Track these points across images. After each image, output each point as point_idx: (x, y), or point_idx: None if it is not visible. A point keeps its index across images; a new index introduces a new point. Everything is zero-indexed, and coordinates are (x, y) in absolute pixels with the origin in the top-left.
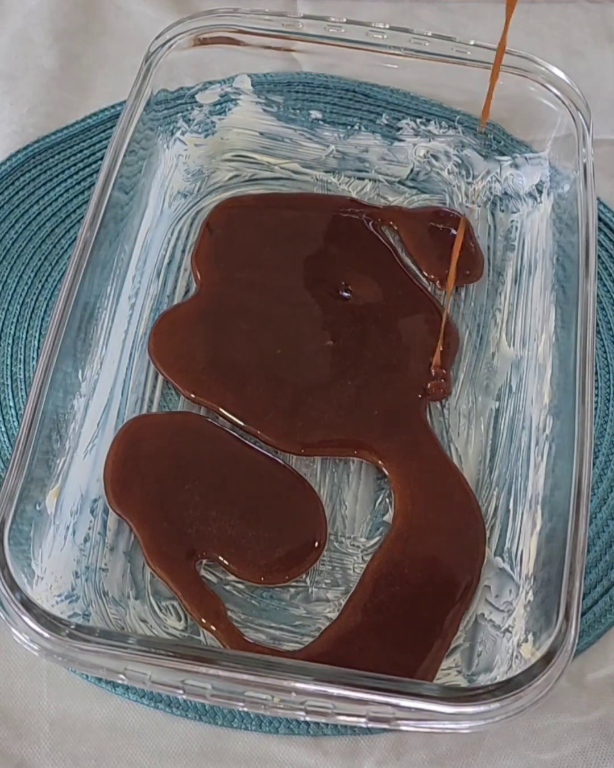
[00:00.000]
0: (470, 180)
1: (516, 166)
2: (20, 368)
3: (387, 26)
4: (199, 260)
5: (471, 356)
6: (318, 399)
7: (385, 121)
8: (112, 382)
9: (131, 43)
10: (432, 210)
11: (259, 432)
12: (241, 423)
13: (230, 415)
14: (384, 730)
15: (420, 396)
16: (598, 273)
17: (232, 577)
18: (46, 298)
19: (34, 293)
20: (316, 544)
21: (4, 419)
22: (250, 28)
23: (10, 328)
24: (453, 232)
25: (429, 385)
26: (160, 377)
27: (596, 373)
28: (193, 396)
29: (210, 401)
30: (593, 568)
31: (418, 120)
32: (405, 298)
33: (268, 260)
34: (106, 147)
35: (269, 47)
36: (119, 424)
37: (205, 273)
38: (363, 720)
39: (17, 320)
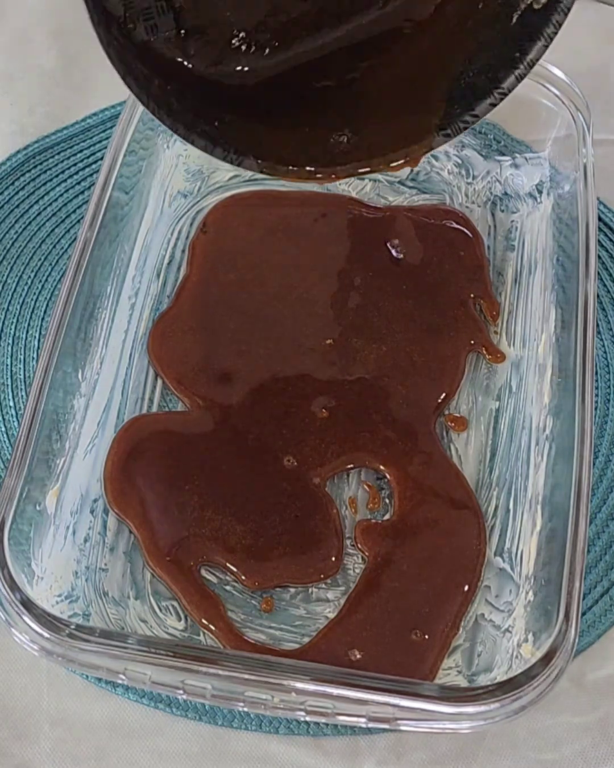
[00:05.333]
0: (470, 180)
1: (516, 166)
2: (20, 368)
3: None
4: (193, 259)
5: (471, 356)
6: (317, 407)
7: None
8: (112, 382)
9: None
10: (432, 208)
11: (249, 443)
12: (237, 434)
13: (227, 424)
14: (384, 730)
15: (434, 406)
16: (598, 273)
17: (231, 577)
18: (46, 298)
19: (34, 293)
20: (333, 558)
21: (4, 419)
22: None
23: (10, 328)
24: (454, 225)
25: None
26: (160, 377)
27: (596, 373)
28: (200, 403)
29: (209, 411)
30: (593, 568)
31: None
32: (406, 299)
33: (265, 259)
34: (106, 147)
35: None
36: (119, 424)
37: (200, 272)
38: (363, 720)
39: (17, 320)
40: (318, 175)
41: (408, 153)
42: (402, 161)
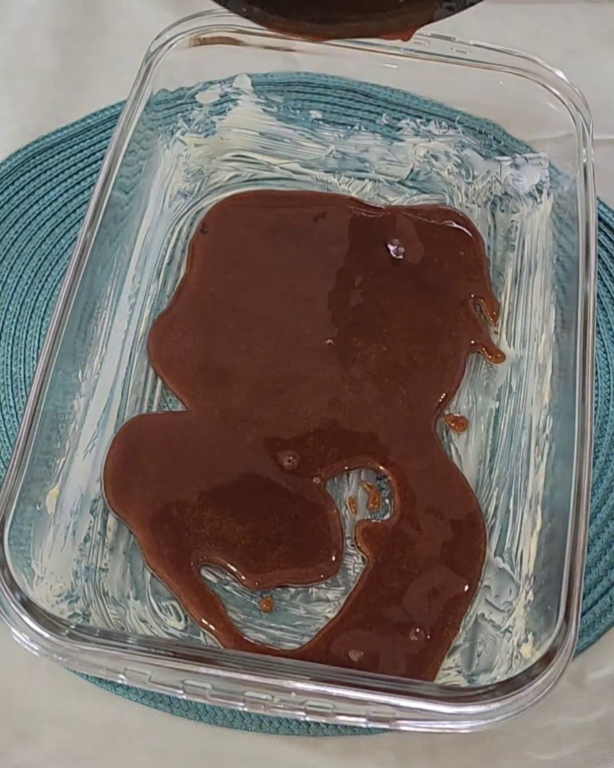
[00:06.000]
0: (470, 180)
1: (516, 166)
2: (20, 368)
3: None
4: (193, 259)
5: (471, 356)
6: (317, 407)
7: (385, 121)
8: (112, 382)
9: (131, 43)
10: (432, 208)
11: (249, 443)
12: (237, 434)
13: (227, 425)
14: (384, 730)
15: (434, 407)
16: (598, 273)
17: (231, 577)
18: (46, 298)
19: (34, 293)
20: (332, 557)
21: (4, 419)
22: (250, 28)
23: (10, 328)
24: (454, 225)
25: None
26: (160, 377)
27: (596, 373)
28: (200, 403)
29: (209, 411)
30: (593, 568)
31: (418, 120)
32: (407, 299)
33: (265, 259)
34: (106, 147)
35: (269, 47)
36: (119, 424)
37: (200, 272)
38: (363, 720)
39: (17, 320)
40: (309, 32)
41: (407, 20)
42: (397, 29)
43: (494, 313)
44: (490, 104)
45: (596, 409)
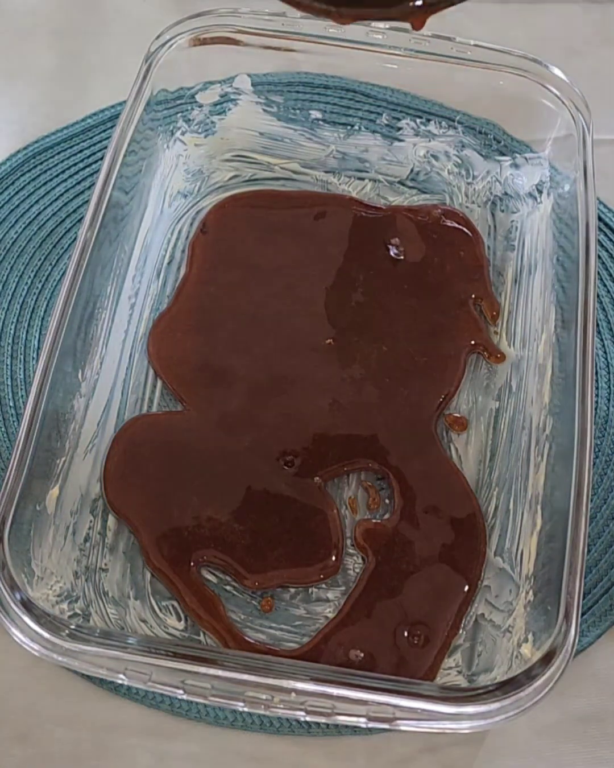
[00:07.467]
0: (470, 180)
1: (516, 166)
2: (20, 368)
3: (387, 26)
4: (193, 259)
5: (471, 356)
6: (318, 408)
7: (385, 121)
8: (112, 382)
9: (131, 43)
10: (432, 208)
11: (249, 443)
12: (237, 435)
13: (227, 425)
14: (384, 730)
15: (434, 407)
16: (598, 273)
17: (231, 577)
18: (46, 298)
19: (34, 293)
20: (333, 557)
21: (4, 419)
22: (250, 28)
23: (10, 328)
24: (454, 225)
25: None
26: (160, 377)
27: (596, 373)
28: (200, 403)
29: (209, 411)
30: (593, 568)
31: (418, 120)
32: (407, 299)
33: (264, 259)
34: (106, 147)
35: (269, 47)
36: (119, 424)
37: (200, 272)
38: (363, 720)
39: (17, 320)
40: (333, 11)
41: (432, 5)
42: (421, 14)
43: (494, 313)
44: (490, 104)
45: (596, 409)
